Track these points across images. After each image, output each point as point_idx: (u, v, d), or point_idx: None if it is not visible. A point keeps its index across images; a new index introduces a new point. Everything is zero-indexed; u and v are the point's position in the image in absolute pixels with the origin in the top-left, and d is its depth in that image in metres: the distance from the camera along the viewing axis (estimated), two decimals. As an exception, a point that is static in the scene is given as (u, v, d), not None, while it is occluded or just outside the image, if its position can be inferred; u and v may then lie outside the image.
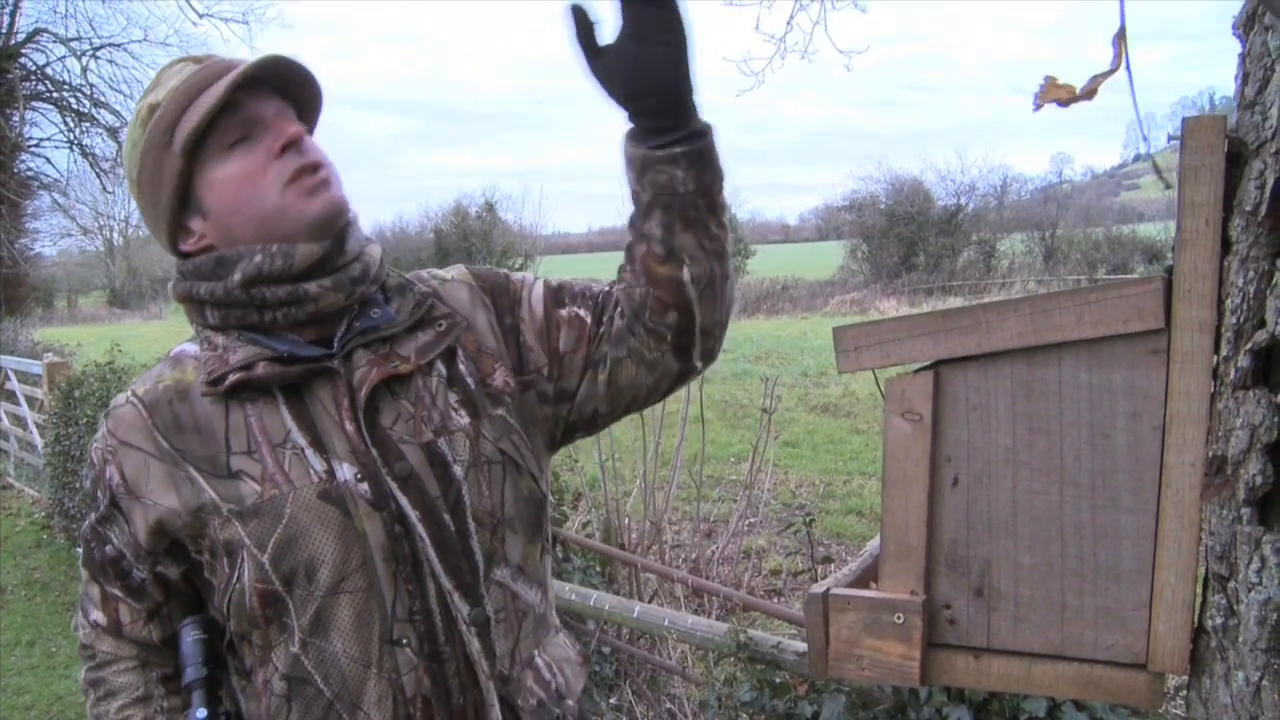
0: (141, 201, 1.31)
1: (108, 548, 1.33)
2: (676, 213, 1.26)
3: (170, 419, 1.27)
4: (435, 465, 1.27)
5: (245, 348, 1.26)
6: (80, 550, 1.39)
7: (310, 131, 1.35)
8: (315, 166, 1.26)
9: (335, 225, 1.28)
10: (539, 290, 1.40)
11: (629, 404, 1.40)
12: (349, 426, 1.25)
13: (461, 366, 1.33)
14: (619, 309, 1.35)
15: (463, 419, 1.30)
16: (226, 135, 1.25)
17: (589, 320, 1.37)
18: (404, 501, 1.24)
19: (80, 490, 6.74)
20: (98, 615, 1.36)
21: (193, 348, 1.32)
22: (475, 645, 1.27)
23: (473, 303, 1.38)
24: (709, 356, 1.37)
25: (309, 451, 1.24)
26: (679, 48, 1.18)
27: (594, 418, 1.40)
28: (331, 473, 1.23)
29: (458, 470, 1.28)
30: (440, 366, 1.32)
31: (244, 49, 20.60)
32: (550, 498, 1.43)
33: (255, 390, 1.26)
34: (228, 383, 1.25)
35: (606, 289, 1.39)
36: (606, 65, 1.20)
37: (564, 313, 1.38)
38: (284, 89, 1.29)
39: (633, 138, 1.25)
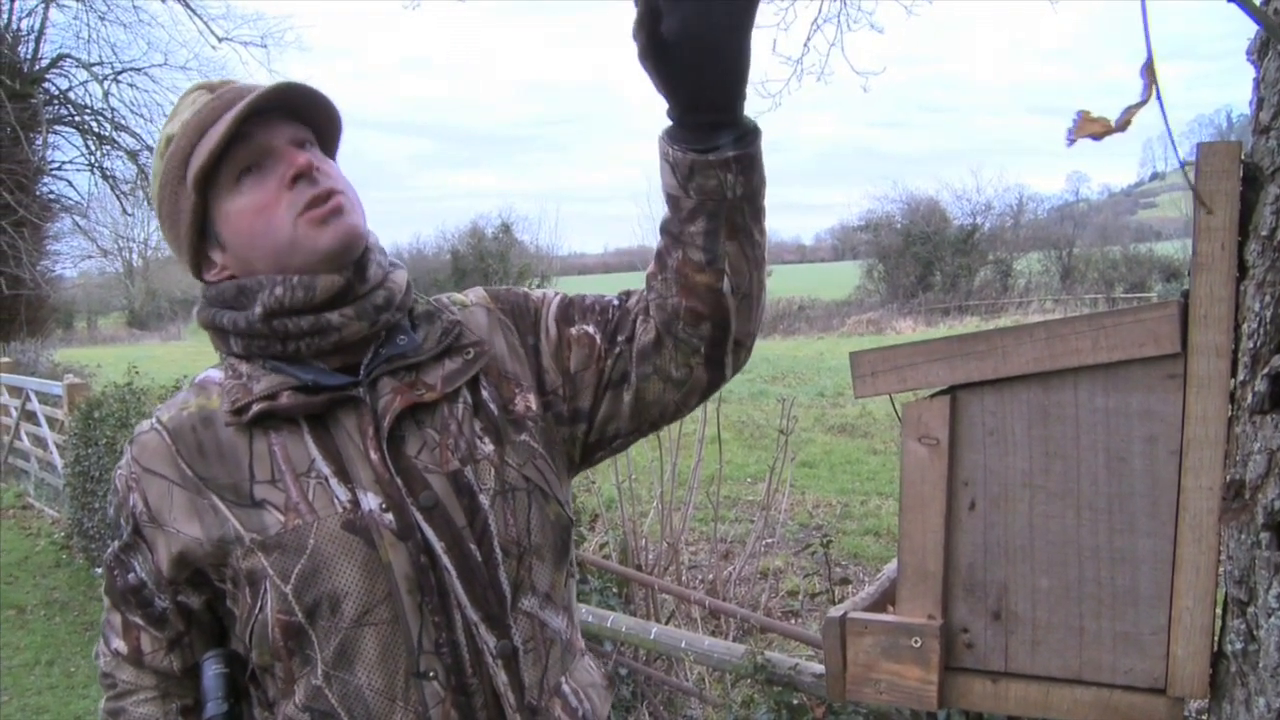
0: (165, 232, 1.32)
1: (130, 576, 1.31)
2: (723, 219, 1.21)
3: (194, 446, 1.27)
4: (461, 495, 1.25)
5: (269, 376, 1.25)
6: (103, 576, 1.37)
7: (332, 154, 1.34)
8: (328, 195, 1.24)
9: (352, 254, 1.26)
10: (554, 308, 1.39)
11: (655, 420, 1.38)
12: (373, 455, 1.24)
13: (485, 393, 1.32)
14: (645, 322, 1.32)
15: (487, 447, 1.29)
16: (237, 166, 1.23)
17: (598, 338, 1.35)
18: (429, 532, 1.23)
19: (99, 511, 6.78)
20: (119, 643, 1.34)
21: (217, 374, 1.32)
22: (502, 678, 1.26)
23: (491, 326, 1.37)
24: (739, 366, 1.35)
25: (333, 481, 1.23)
26: (746, 28, 1.11)
27: (615, 437, 1.39)
28: (356, 503, 1.22)
29: (484, 499, 1.26)
30: (466, 394, 1.31)
31: (262, 72, 20.80)
32: (574, 521, 1.41)
33: (279, 419, 1.25)
34: (251, 412, 1.24)
35: (618, 303, 1.37)
36: (668, 47, 1.10)
37: (574, 331, 1.36)
38: (300, 114, 1.27)
39: (678, 139, 1.18)
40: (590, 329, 1.35)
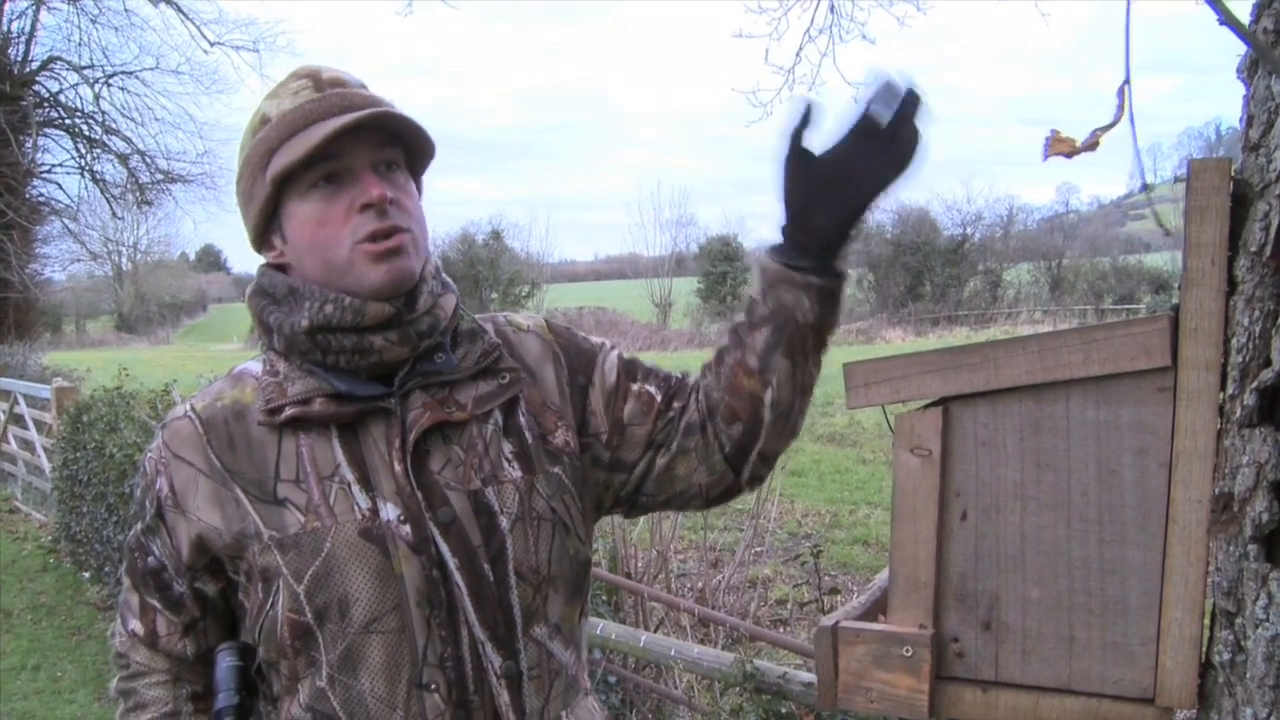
0: (238, 201, 1.34)
1: (150, 559, 1.33)
2: (785, 336, 1.28)
3: (225, 438, 1.28)
4: (480, 514, 1.27)
5: (304, 379, 1.27)
6: (124, 557, 1.39)
7: (421, 171, 1.35)
8: (390, 231, 1.24)
9: (399, 293, 1.26)
10: (613, 358, 1.41)
11: (675, 497, 1.41)
12: (397, 467, 1.25)
13: (522, 419, 1.33)
14: (696, 402, 1.37)
15: (515, 471, 1.30)
16: (316, 175, 1.24)
17: (659, 399, 1.38)
18: (444, 548, 1.24)
19: (87, 515, 6.75)
20: (135, 624, 1.36)
21: (256, 367, 1.33)
22: (504, 698, 1.27)
23: (543, 356, 1.39)
24: (757, 480, 1.40)
25: (355, 488, 1.25)
26: (880, 186, 1.23)
27: (637, 496, 1.41)
28: (375, 511, 1.24)
29: (503, 522, 1.27)
30: (497, 415, 1.32)
31: (254, 77, 20.81)
32: (592, 560, 1.43)
33: (310, 422, 1.27)
34: (284, 415, 1.26)
35: (681, 376, 1.42)
36: (808, 167, 1.23)
37: (635, 386, 1.39)
38: (393, 133, 1.28)
39: (775, 250, 1.28)
40: (652, 389, 1.39)
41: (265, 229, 1.31)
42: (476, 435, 1.29)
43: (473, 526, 1.26)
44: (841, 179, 1.22)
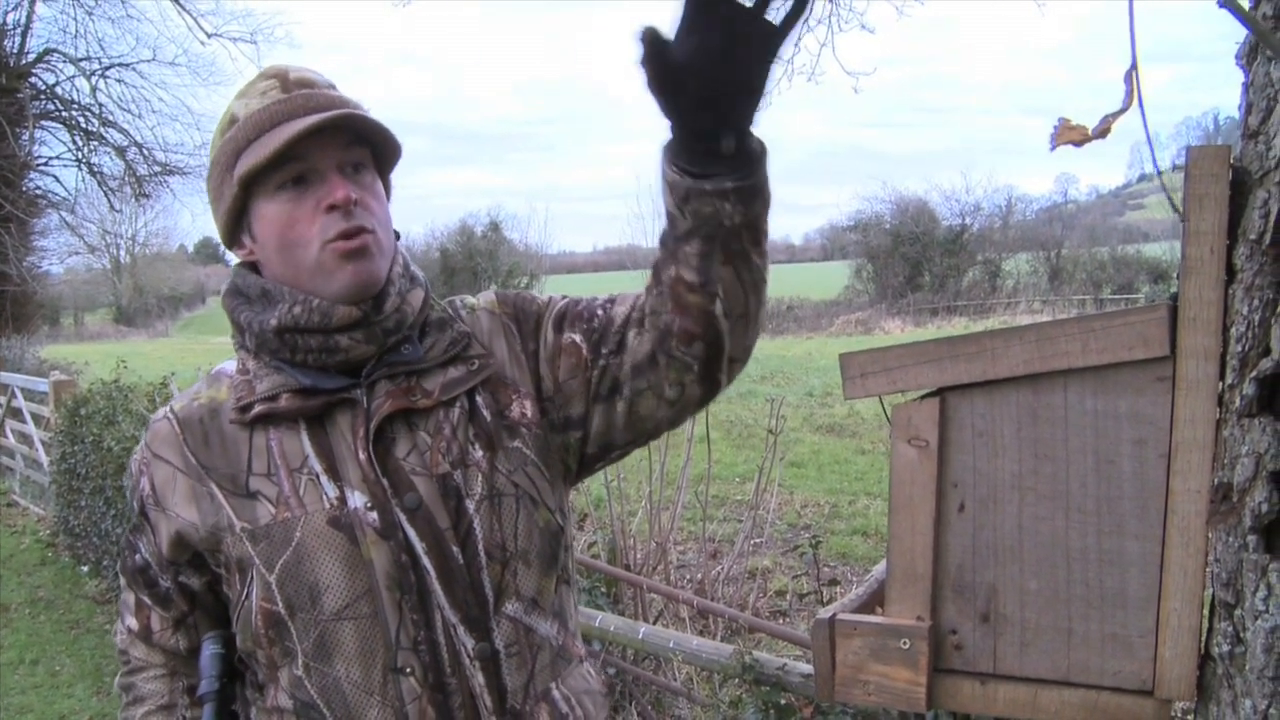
0: (209, 198, 1.36)
1: (137, 556, 1.38)
2: (718, 244, 1.18)
3: (200, 436, 1.32)
4: (448, 498, 1.28)
5: (272, 376, 1.30)
6: (118, 556, 1.44)
7: (388, 172, 1.37)
8: (357, 231, 1.26)
9: (366, 295, 1.28)
10: (554, 314, 1.39)
11: (650, 432, 1.38)
12: (361, 455, 1.27)
13: (479, 399, 1.34)
14: (639, 335, 1.30)
15: (478, 453, 1.31)
16: (283, 176, 1.26)
17: (584, 349, 1.34)
18: (411, 532, 1.26)
19: (85, 509, 6.75)
20: (131, 621, 1.42)
21: (231, 366, 1.37)
22: (479, 680, 1.28)
23: (493, 331, 1.39)
24: (734, 378, 1.34)
25: (324, 478, 1.27)
26: (762, 63, 1.05)
27: (612, 448, 1.38)
28: (343, 500, 1.26)
29: (470, 504, 1.28)
30: (463, 400, 1.33)
31: (251, 69, 20.77)
32: (570, 529, 1.41)
33: (279, 417, 1.29)
34: (252, 413, 1.29)
35: (602, 312, 1.35)
36: (683, 62, 1.04)
37: (563, 339, 1.36)
38: (359, 134, 1.29)
39: (676, 159, 1.14)
40: (577, 338, 1.35)
41: (235, 228, 1.33)
42: (443, 420, 1.31)
43: (440, 510, 1.27)
44: (731, 46, 1.03)
